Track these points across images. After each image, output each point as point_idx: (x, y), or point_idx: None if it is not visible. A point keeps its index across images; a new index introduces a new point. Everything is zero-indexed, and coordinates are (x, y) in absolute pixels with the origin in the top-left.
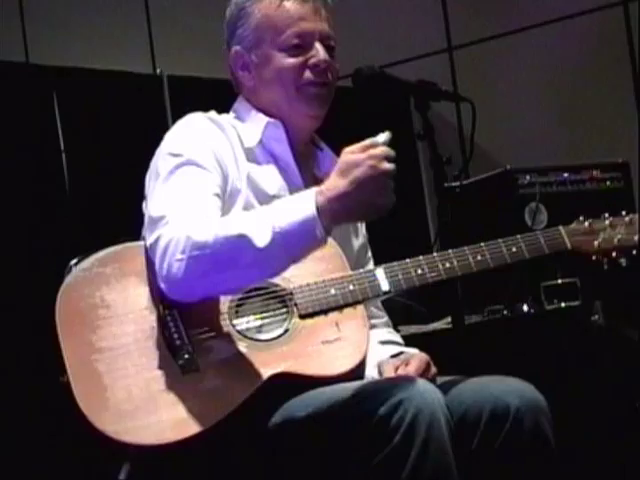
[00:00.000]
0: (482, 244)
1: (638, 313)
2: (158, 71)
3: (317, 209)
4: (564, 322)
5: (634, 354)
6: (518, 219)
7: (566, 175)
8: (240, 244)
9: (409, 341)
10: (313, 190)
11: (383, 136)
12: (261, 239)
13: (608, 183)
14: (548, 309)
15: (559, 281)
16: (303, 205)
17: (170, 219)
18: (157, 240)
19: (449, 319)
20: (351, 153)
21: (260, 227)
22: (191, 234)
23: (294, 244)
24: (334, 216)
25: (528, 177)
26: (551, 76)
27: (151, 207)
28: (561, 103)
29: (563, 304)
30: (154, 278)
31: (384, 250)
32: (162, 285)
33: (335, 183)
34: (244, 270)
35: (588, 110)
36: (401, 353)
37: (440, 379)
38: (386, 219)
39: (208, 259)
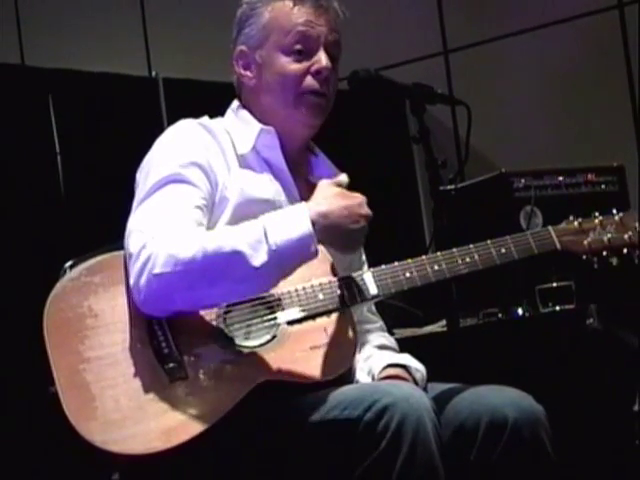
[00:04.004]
0: (471, 246)
1: (635, 316)
2: (154, 74)
3: (312, 224)
4: (559, 325)
5: (629, 357)
6: (513, 222)
7: (561, 178)
8: (234, 261)
9: (404, 344)
10: (303, 205)
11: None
12: (257, 258)
13: (603, 186)
14: (543, 312)
15: (554, 284)
16: (298, 221)
17: (151, 235)
18: (137, 255)
19: (444, 322)
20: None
21: (255, 244)
22: (173, 251)
23: (289, 262)
24: (323, 232)
25: (523, 180)
26: (547, 79)
27: (132, 220)
28: (557, 106)
29: (558, 307)
30: None
31: (379, 253)
32: (137, 299)
33: (320, 202)
34: (236, 285)
35: (584, 113)
36: (397, 365)
37: (436, 388)
38: (382, 222)
39: (196, 274)
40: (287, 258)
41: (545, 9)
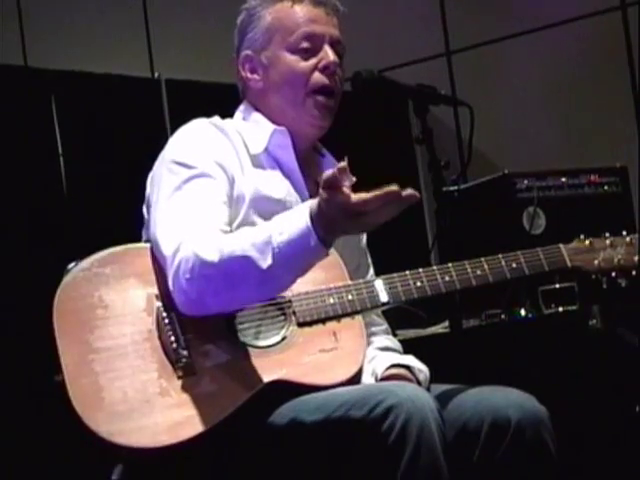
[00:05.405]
0: (482, 259)
1: (637, 317)
2: (156, 75)
3: (311, 219)
4: (562, 326)
5: (632, 358)
6: (516, 223)
7: (564, 179)
8: (245, 265)
9: (407, 345)
10: (307, 203)
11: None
12: (264, 260)
13: (606, 187)
14: (546, 313)
15: (557, 285)
16: (297, 219)
17: (182, 238)
18: (171, 259)
19: (447, 323)
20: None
21: (262, 247)
22: (199, 252)
23: (293, 259)
24: (328, 225)
25: (526, 181)
26: (549, 80)
27: (162, 218)
28: (559, 107)
29: (561, 308)
30: (159, 281)
31: (382, 254)
32: (177, 302)
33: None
34: (253, 288)
35: (586, 114)
36: (399, 365)
37: (440, 388)
38: (384, 223)
39: (216, 278)
40: (291, 257)
41: (548, 10)
